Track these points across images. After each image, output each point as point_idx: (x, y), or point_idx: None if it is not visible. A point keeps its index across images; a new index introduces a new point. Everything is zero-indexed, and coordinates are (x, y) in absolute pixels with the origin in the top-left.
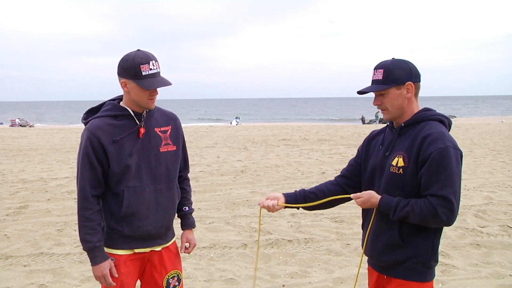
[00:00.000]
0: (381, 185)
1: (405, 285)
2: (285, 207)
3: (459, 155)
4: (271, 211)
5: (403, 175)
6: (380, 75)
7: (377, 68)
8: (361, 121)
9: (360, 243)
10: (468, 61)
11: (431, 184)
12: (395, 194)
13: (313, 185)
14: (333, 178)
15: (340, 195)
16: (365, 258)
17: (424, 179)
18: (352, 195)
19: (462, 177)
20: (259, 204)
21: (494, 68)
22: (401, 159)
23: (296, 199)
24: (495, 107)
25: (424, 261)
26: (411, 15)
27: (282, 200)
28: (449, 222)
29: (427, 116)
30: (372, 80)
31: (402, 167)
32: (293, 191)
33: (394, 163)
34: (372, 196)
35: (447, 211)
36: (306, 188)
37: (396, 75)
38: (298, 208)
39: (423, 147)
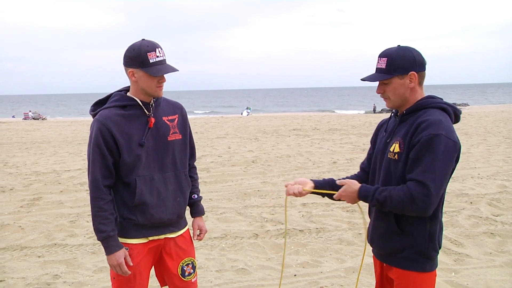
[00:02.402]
0: (381, 172)
1: (404, 274)
2: (312, 192)
3: (452, 145)
4: (297, 196)
5: (398, 161)
6: (383, 64)
7: (381, 56)
8: (373, 110)
9: None
10: (480, 48)
11: (413, 169)
12: (390, 181)
13: (325, 175)
14: (358, 171)
15: None
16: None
17: (409, 163)
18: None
19: (475, 166)
20: (286, 193)
21: (507, 54)
22: (397, 145)
23: (323, 187)
24: (508, 94)
25: (421, 250)
26: (422, 2)
27: (310, 185)
28: (425, 210)
29: (428, 104)
30: (376, 68)
31: (397, 153)
32: (321, 178)
33: (391, 149)
34: (351, 185)
35: (424, 197)
36: (335, 178)
37: (399, 65)
38: (323, 195)
39: (416, 132)
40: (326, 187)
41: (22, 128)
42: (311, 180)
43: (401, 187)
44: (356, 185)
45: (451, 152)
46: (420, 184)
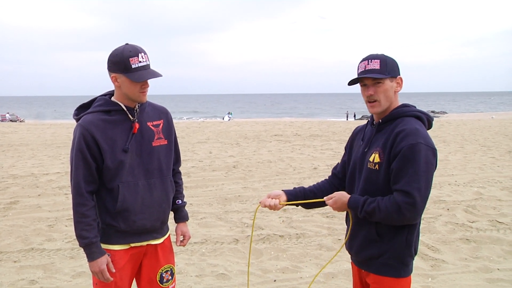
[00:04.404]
0: (360, 181)
1: (379, 280)
2: (287, 205)
3: (431, 152)
4: (273, 210)
5: (379, 171)
6: (377, 65)
7: (371, 58)
8: (346, 117)
9: None
10: (460, 57)
11: (398, 180)
12: (371, 190)
13: (305, 181)
14: (329, 176)
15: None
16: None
17: (393, 174)
18: (325, 198)
19: (452, 173)
20: (260, 203)
21: (487, 64)
22: (377, 155)
23: (296, 197)
24: (484, 102)
25: (398, 256)
26: (403, 10)
27: (283, 198)
28: (413, 219)
29: (404, 112)
30: (366, 70)
31: (378, 163)
32: (291, 187)
33: (371, 159)
34: (342, 195)
35: (410, 206)
36: (305, 186)
37: (391, 67)
38: (297, 205)
39: (395, 142)
40: (299, 197)
41: None
42: (282, 191)
43: (388, 198)
44: (345, 196)
45: (431, 159)
46: (406, 194)
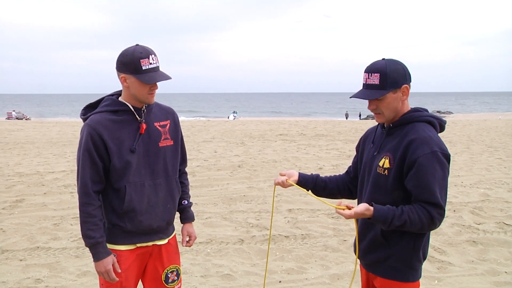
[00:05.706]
0: (368, 185)
1: (387, 284)
2: (296, 185)
3: (446, 158)
4: (281, 186)
5: (387, 176)
6: (376, 80)
7: (371, 71)
8: (345, 117)
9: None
10: (463, 57)
11: (422, 191)
12: (378, 195)
13: None
14: (344, 172)
15: (345, 191)
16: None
17: (413, 185)
18: (339, 205)
19: (459, 174)
20: (274, 181)
21: (490, 64)
22: (387, 160)
23: (307, 181)
24: (488, 103)
25: (405, 259)
26: (407, 9)
27: (295, 178)
28: (439, 225)
29: (415, 118)
30: (366, 84)
31: (387, 168)
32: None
33: (381, 164)
34: (366, 209)
35: (440, 216)
36: (320, 175)
37: (392, 79)
38: (308, 189)
39: (409, 151)
40: (309, 182)
41: (5, 128)
42: (299, 172)
43: (420, 211)
44: (368, 210)
45: (447, 165)
46: (435, 206)
